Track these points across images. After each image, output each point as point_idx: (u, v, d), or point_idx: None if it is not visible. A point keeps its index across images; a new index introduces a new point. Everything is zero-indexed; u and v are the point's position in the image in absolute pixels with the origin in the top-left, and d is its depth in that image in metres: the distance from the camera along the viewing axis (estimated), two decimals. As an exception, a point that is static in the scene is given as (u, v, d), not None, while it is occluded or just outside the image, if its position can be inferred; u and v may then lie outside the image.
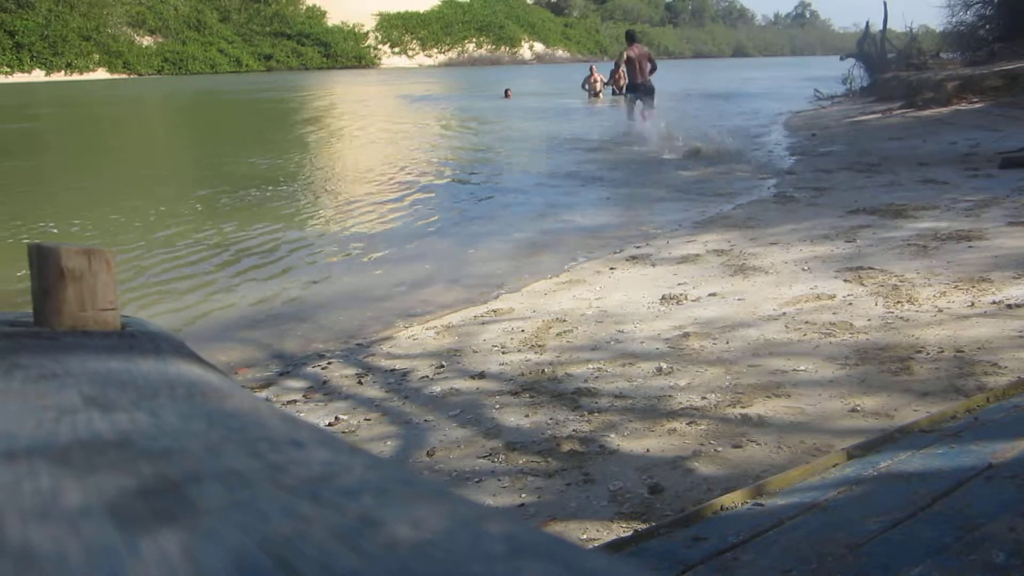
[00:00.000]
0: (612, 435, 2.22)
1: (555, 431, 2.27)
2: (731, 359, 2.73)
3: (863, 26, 19.29)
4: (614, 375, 2.67)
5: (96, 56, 60.12)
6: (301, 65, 71.70)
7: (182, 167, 10.34)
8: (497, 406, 2.50)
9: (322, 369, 3.00)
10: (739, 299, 3.40)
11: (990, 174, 6.06)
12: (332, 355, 3.17)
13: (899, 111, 11.45)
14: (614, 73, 11.26)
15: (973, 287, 3.25)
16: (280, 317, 3.73)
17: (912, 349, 2.66)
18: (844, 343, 2.77)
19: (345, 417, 2.53)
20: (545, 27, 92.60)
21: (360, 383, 2.82)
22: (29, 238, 5.38)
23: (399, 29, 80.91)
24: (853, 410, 2.26)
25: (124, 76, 59.20)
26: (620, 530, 1.73)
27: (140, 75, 60.29)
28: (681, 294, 3.54)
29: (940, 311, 3.02)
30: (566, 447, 2.16)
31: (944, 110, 10.68)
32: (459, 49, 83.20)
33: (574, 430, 2.27)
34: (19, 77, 54.19)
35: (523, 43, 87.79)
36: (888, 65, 16.77)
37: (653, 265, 4.13)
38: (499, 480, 2.03)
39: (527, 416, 2.40)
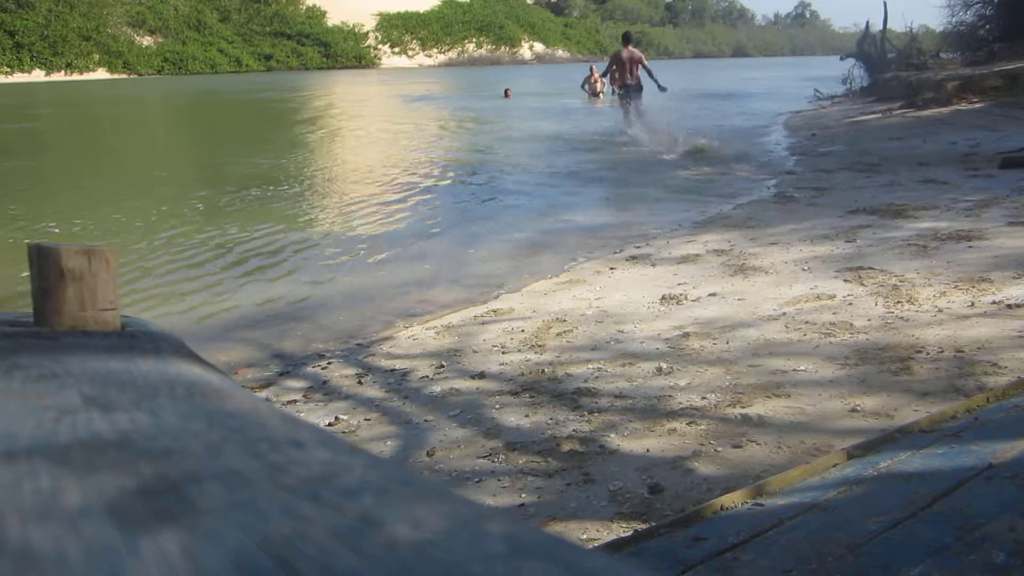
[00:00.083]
0: (612, 435, 2.22)
1: (555, 431, 2.27)
2: (731, 359, 2.73)
3: (863, 26, 19.30)
4: (614, 375, 2.67)
5: (96, 56, 60.12)
6: (301, 65, 71.71)
7: (182, 167, 10.34)
8: (497, 406, 2.50)
9: (322, 369, 3.00)
10: (739, 299, 3.40)
11: (990, 174, 6.06)
12: (332, 355, 3.17)
13: (899, 111, 11.45)
14: (611, 71, 11.41)
15: (973, 287, 3.25)
16: (280, 317, 3.73)
17: (912, 349, 2.66)
18: (844, 343, 2.77)
19: (345, 417, 2.53)
20: (545, 27, 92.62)
21: (360, 383, 2.82)
22: (30, 238, 5.38)
23: (399, 29, 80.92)
24: (853, 410, 2.26)
25: (124, 76, 59.19)
26: (620, 530, 1.73)
27: (140, 75, 60.29)
28: (681, 294, 3.54)
29: (940, 311, 3.02)
30: (566, 447, 2.16)
31: (944, 110, 10.68)
32: (459, 49, 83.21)
33: (574, 430, 2.27)
34: (19, 77, 54.19)
35: (523, 43, 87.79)
36: (888, 65, 16.77)
37: (653, 265, 4.13)
38: (499, 480, 2.03)
39: (527, 416, 2.40)
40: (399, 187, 7.47)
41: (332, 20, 77.93)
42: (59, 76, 56.36)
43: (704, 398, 2.42)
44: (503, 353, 2.98)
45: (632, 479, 1.97)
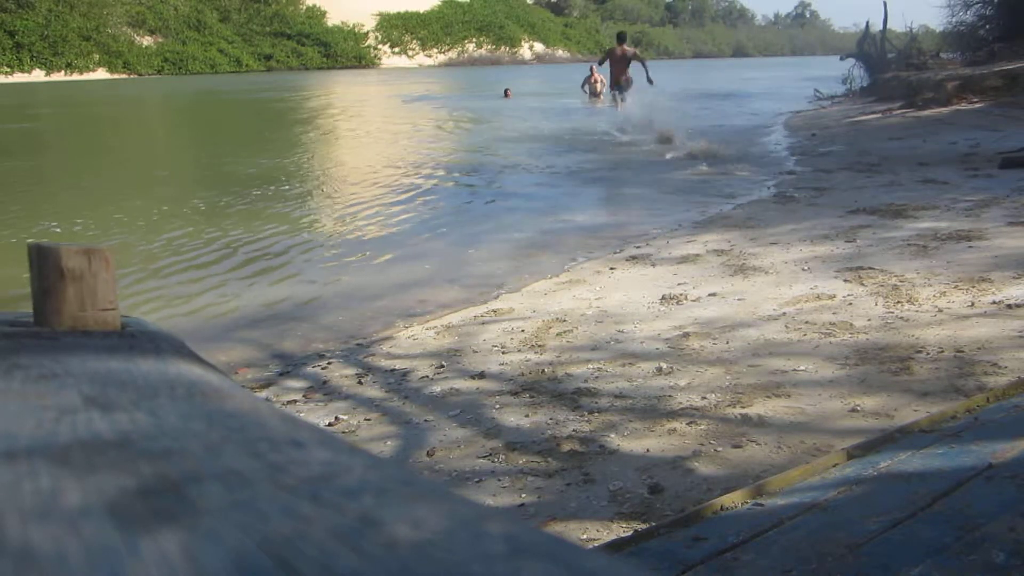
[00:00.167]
0: (612, 435, 2.22)
1: (555, 431, 2.27)
2: (731, 359, 2.73)
3: (863, 26, 19.29)
4: (614, 375, 2.67)
5: (96, 56, 60.10)
6: (301, 65, 71.68)
7: (182, 167, 10.35)
8: (497, 406, 2.50)
9: (322, 369, 3.00)
10: (739, 299, 3.40)
11: (990, 174, 6.06)
12: (332, 355, 3.17)
13: (899, 111, 11.46)
14: (608, 66, 11.91)
15: (973, 287, 3.25)
16: (280, 317, 3.73)
17: (912, 349, 2.66)
18: (844, 343, 2.78)
19: (345, 417, 2.53)
20: (545, 27, 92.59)
21: (360, 383, 2.83)
22: (31, 237, 5.38)
23: (399, 29, 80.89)
24: (853, 410, 2.26)
25: (124, 76, 59.18)
26: (620, 530, 1.73)
27: (140, 75, 60.28)
28: (681, 294, 3.54)
29: (940, 311, 3.02)
30: (566, 447, 2.16)
31: (944, 110, 10.68)
32: (459, 49, 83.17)
33: (574, 430, 2.27)
34: (19, 77, 54.16)
35: (523, 43, 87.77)
36: (888, 65, 16.77)
37: (653, 265, 4.13)
38: (499, 480, 2.03)
39: (527, 416, 2.40)
40: (399, 187, 7.47)
41: (332, 20, 77.89)
42: (59, 76, 56.33)
43: (704, 398, 2.42)
44: (503, 353, 2.98)
45: (632, 479, 1.97)
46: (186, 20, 68.45)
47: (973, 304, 3.06)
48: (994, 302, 3.06)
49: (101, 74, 59.07)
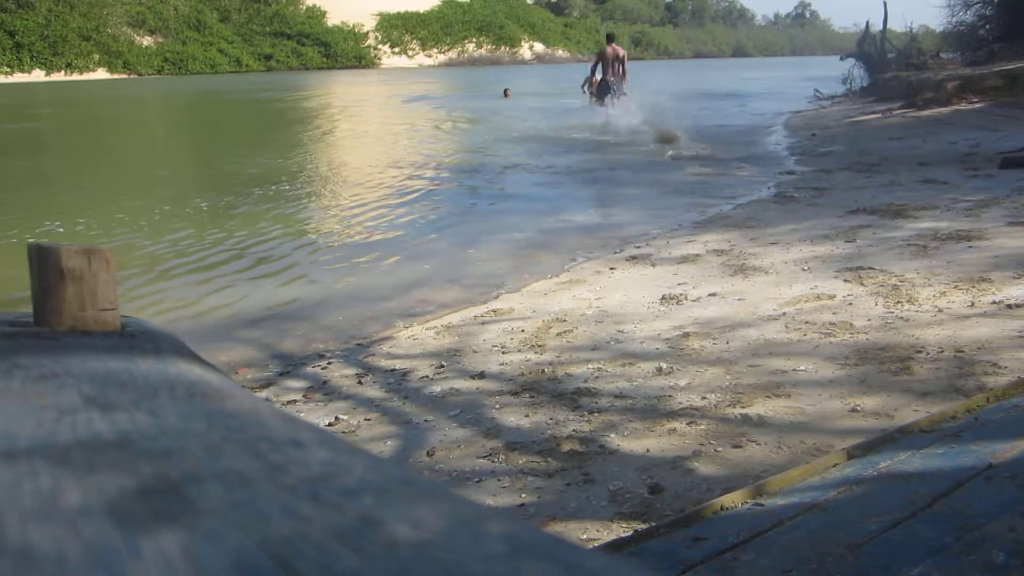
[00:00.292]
0: (612, 435, 2.22)
1: (555, 431, 2.27)
2: (731, 359, 2.73)
3: (863, 26, 19.30)
4: (614, 375, 2.67)
5: (96, 56, 60.09)
6: (301, 65, 71.67)
7: (183, 167, 10.35)
8: (497, 406, 2.50)
9: (322, 369, 3.00)
10: (739, 299, 3.40)
11: (990, 174, 6.06)
12: (332, 355, 3.17)
13: (899, 111, 11.46)
14: (593, 71, 12.16)
15: (973, 287, 3.25)
16: (280, 317, 3.73)
17: (912, 349, 2.66)
18: (844, 343, 2.77)
19: (345, 417, 2.53)
20: (545, 27, 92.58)
21: (360, 383, 2.83)
22: (32, 237, 5.38)
23: (399, 29, 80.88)
24: (853, 410, 2.26)
25: (124, 76, 59.17)
26: (620, 530, 1.73)
27: (140, 75, 60.27)
28: (681, 294, 3.54)
29: (940, 311, 3.02)
30: (566, 447, 2.16)
31: (944, 110, 10.68)
32: (459, 49, 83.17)
33: (574, 430, 2.27)
34: (19, 77, 54.15)
35: (523, 43, 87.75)
36: (888, 65, 16.77)
37: (653, 265, 4.13)
38: (499, 480, 2.03)
39: (527, 416, 2.40)
40: (399, 187, 7.47)
41: (332, 20, 77.88)
42: (59, 76, 56.33)
43: (704, 398, 2.42)
44: (503, 353, 2.98)
45: (632, 479, 1.97)
46: (186, 20, 68.45)
47: (973, 304, 3.06)
48: (994, 302, 3.06)
49: (101, 74, 59.07)
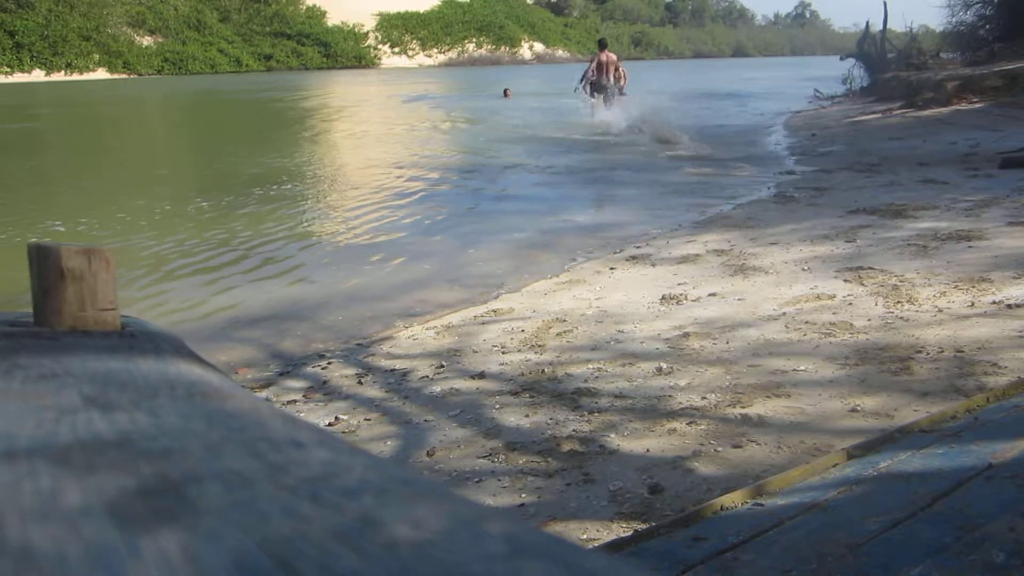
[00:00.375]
0: (612, 435, 2.22)
1: (555, 431, 2.27)
2: (731, 359, 2.73)
3: (863, 26, 19.30)
4: (614, 375, 2.67)
5: (96, 56, 60.09)
6: (301, 65, 71.68)
7: (183, 167, 10.35)
8: (497, 406, 2.50)
9: (322, 369, 3.00)
10: (739, 299, 3.40)
11: (990, 174, 6.06)
12: (332, 355, 3.17)
13: (899, 111, 11.46)
14: (588, 74, 12.45)
15: (973, 287, 3.25)
16: (280, 317, 3.73)
17: (912, 349, 2.66)
18: (844, 343, 2.77)
19: (345, 417, 2.53)
20: (545, 27, 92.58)
21: (360, 383, 2.83)
22: (33, 237, 5.38)
23: (399, 29, 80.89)
24: (853, 410, 2.26)
25: (124, 76, 59.18)
26: (620, 530, 1.73)
27: (140, 75, 60.28)
28: (681, 294, 3.54)
29: (940, 311, 3.02)
30: (566, 447, 2.16)
31: (944, 110, 10.69)
32: (459, 49, 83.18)
33: (574, 430, 2.27)
34: (19, 77, 54.16)
35: (523, 43, 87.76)
36: (888, 65, 16.78)
37: (653, 265, 4.13)
38: (499, 480, 2.03)
39: (527, 416, 2.40)
40: (399, 187, 7.47)
41: (332, 20, 77.90)
42: (59, 76, 56.33)
43: (704, 398, 2.42)
44: (503, 353, 2.98)
45: (632, 479, 1.97)
46: (186, 20, 68.45)
47: (973, 304, 3.06)
48: (994, 302, 3.06)
49: (101, 74, 59.07)
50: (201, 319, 3.77)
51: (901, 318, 2.98)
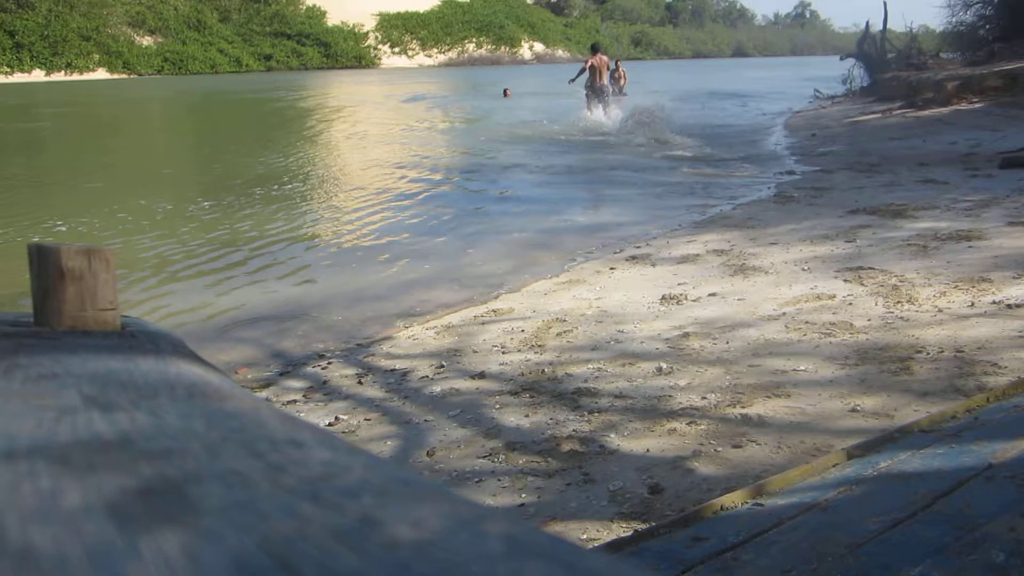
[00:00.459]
0: (612, 435, 2.22)
1: (555, 431, 2.27)
2: (731, 359, 2.73)
3: (863, 26, 19.28)
4: (614, 375, 2.67)
5: (96, 56, 60.07)
6: (301, 65, 71.66)
7: (183, 167, 10.35)
8: (497, 406, 2.50)
9: (322, 369, 3.00)
10: (739, 299, 3.40)
11: (990, 174, 6.06)
12: (332, 355, 3.17)
13: (899, 111, 11.46)
14: (582, 73, 12.64)
15: (973, 287, 3.25)
16: (280, 317, 3.73)
17: (912, 349, 2.66)
18: (844, 343, 2.77)
19: (345, 417, 2.53)
20: (545, 27, 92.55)
21: (360, 383, 2.83)
22: (34, 237, 5.38)
23: (399, 29, 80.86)
24: (853, 410, 2.26)
25: (124, 76, 59.17)
26: (620, 530, 1.73)
27: (140, 75, 60.26)
28: (681, 294, 3.54)
29: (940, 311, 3.02)
30: (566, 447, 2.16)
31: (944, 110, 10.69)
32: (459, 49, 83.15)
33: (574, 430, 2.27)
34: (19, 77, 54.15)
35: (523, 43, 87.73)
36: (888, 65, 16.77)
37: (653, 265, 4.13)
38: (499, 480, 2.03)
39: (527, 416, 2.40)
40: (399, 187, 7.47)
41: (332, 20, 77.87)
42: (59, 76, 56.32)
43: (704, 398, 2.42)
44: (503, 353, 2.98)
45: (632, 479, 1.97)
46: (186, 20, 68.43)
47: (973, 304, 3.06)
48: (994, 302, 3.06)
49: (101, 74, 59.06)
50: (201, 319, 3.77)
51: (901, 318, 2.98)
